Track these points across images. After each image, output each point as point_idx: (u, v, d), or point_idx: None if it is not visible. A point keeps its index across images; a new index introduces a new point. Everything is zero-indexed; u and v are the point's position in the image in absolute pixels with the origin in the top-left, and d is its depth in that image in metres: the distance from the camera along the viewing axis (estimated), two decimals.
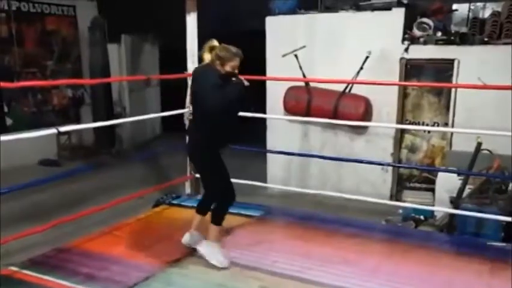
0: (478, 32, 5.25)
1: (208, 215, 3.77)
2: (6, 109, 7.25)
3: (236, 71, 3.52)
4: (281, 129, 6.16)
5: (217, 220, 3.68)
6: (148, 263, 3.63)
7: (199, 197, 5.27)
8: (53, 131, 3.73)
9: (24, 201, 5.19)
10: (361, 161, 5.18)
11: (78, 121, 8.18)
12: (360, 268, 3.57)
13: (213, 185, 3.72)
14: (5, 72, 7.04)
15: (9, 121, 7.31)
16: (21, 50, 7.34)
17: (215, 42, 3.60)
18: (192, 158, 3.79)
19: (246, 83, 3.49)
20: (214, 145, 3.59)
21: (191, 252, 3.81)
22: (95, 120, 7.40)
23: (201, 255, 3.64)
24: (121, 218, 4.58)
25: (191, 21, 4.72)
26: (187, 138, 3.96)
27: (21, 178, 6.01)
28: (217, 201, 3.73)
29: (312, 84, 5.71)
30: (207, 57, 3.59)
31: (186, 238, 3.84)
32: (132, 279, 3.43)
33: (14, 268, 3.62)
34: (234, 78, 3.45)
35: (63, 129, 4.00)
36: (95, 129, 7.51)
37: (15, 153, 6.60)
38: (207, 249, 3.65)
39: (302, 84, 5.76)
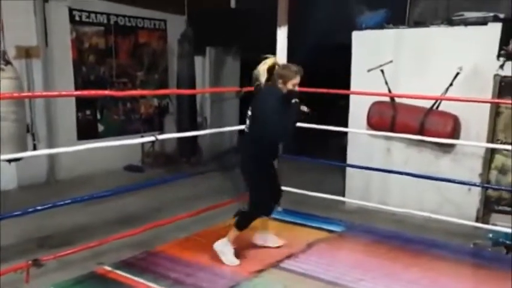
0: None
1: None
2: (99, 116, 7.71)
3: (296, 88, 3.64)
4: (363, 144, 6.07)
5: (240, 225, 3.88)
6: (233, 272, 3.72)
7: (280, 209, 5.35)
8: (151, 138, 3.93)
9: (110, 204, 5.45)
10: (446, 180, 5.00)
11: (161, 129, 8.52)
12: None
13: (254, 195, 3.87)
14: (100, 82, 7.51)
15: (100, 127, 7.75)
16: (115, 61, 7.79)
17: (274, 60, 3.70)
18: (243, 168, 3.89)
19: (305, 109, 3.63)
20: (266, 158, 3.82)
21: (274, 263, 3.86)
22: (178, 130, 7.66)
23: (215, 251, 3.90)
24: (202, 226, 4.71)
25: (282, 34, 4.78)
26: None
27: (110, 182, 6.42)
28: (251, 209, 3.89)
29: (397, 100, 5.60)
30: (265, 74, 3.65)
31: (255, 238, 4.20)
32: (218, 286, 3.51)
33: (107, 267, 3.83)
34: (293, 100, 3.58)
35: (160, 137, 4.20)
36: (178, 138, 7.77)
37: (105, 159, 7.00)
38: (222, 247, 3.89)
39: (387, 99, 5.66)
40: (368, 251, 4.24)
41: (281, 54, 4.83)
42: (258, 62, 3.74)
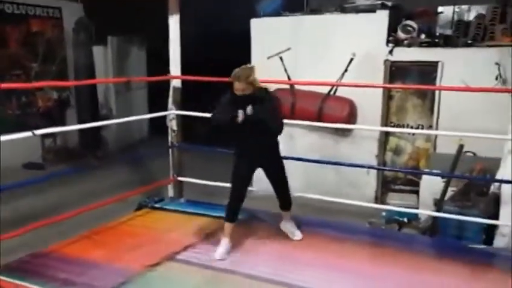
0: (462, 35, 5.27)
1: None
2: None
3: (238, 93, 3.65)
4: None
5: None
6: (128, 267, 3.58)
7: (182, 200, 5.26)
8: (28, 134, 3.65)
9: (4, 205, 5.10)
10: (345, 164, 5.14)
11: (63, 123, 8.08)
12: (342, 271, 3.54)
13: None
14: None
15: None
16: (5, 52, 7.25)
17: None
18: None
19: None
20: (237, 154, 3.99)
21: (171, 255, 3.78)
22: (79, 123, 7.31)
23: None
24: (102, 222, 4.52)
25: (174, 23, 4.64)
26: None
27: (3, 182, 5.98)
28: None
29: (296, 86, 5.68)
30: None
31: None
32: (109, 283, 3.38)
33: None
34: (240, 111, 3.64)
35: (38, 132, 3.93)
36: (80, 131, 7.42)
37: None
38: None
39: (286, 86, 5.73)
40: (267, 236, 4.26)
41: (174, 43, 4.69)
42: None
